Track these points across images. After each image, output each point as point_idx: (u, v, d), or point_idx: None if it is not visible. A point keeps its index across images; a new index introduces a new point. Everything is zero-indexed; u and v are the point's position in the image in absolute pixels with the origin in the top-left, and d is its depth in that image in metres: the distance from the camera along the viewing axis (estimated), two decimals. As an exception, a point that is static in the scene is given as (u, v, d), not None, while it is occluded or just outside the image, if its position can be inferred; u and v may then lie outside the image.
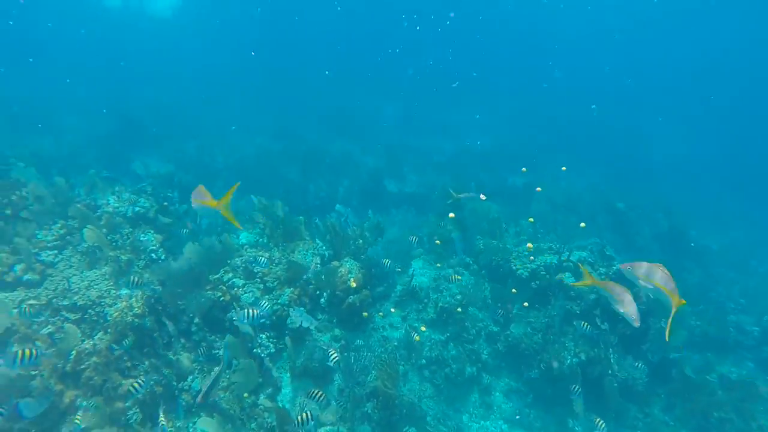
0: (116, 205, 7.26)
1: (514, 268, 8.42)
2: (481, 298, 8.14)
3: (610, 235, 11.07)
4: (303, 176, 13.69)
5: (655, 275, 4.09)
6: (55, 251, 6.54)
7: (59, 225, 6.80)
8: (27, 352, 4.40)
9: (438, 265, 8.71)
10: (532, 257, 8.05)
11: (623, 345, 7.36)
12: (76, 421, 4.62)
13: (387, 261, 7.08)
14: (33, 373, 4.88)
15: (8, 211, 6.65)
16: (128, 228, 6.94)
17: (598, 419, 5.81)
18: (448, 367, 7.30)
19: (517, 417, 7.11)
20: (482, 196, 7.44)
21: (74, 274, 6.02)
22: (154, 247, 6.88)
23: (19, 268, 6.07)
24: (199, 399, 5.64)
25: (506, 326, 7.81)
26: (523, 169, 9.24)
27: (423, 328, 6.88)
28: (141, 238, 6.86)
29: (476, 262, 8.97)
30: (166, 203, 7.80)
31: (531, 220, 8.11)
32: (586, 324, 6.80)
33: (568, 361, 7.09)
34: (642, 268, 4.24)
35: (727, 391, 7.87)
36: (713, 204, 16.91)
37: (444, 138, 20.25)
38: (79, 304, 5.70)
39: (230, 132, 17.27)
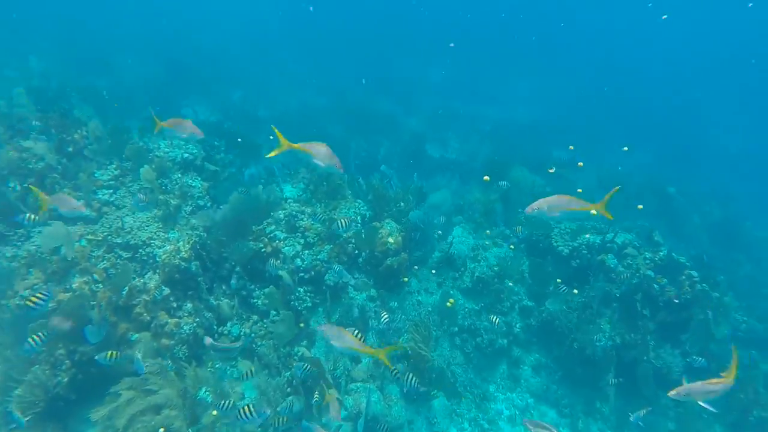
0: (167, 150, 7.43)
1: (554, 244, 8.25)
2: (518, 271, 8.06)
3: (657, 219, 10.63)
4: (345, 134, 13.61)
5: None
6: (111, 191, 6.79)
7: (114, 165, 7.03)
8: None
9: (488, 232, 8.56)
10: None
11: (662, 333, 7.19)
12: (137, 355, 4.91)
13: (442, 218, 7.05)
14: (92, 303, 5.17)
15: (71, 149, 6.91)
16: (177, 173, 7.11)
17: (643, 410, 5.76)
18: (479, 337, 7.35)
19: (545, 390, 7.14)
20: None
21: (127, 215, 6.25)
22: (200, 194, 7.05)
23: (79, 203, 6.35)
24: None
25: (541, 302, 7.73)
26: (570, 147, 8.89)
27: (450, 301, 6.86)
28: (189, 184, 7.02)
29: (516, 235, 8.84)
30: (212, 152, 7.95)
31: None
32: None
33: (602, 343, 7.00)
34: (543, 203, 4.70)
35: (768, 388, 7.64)
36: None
37: (491, 106, 19.63)
38: (131, 243, 5.94)
39: (275, 84, 17.23)
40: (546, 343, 7.72)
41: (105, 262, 5.74)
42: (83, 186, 6.50)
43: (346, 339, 4.15)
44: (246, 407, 4.17)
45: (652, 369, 6.76)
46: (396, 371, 5.42)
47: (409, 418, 6.34)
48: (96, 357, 4.64)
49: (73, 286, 5.48)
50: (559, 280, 7.50)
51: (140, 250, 5.92)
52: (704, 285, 7.01)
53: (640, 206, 6.81)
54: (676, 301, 6.99)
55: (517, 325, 7.65)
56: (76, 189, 6.54)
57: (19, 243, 5.91)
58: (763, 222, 13.32)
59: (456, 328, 7.42)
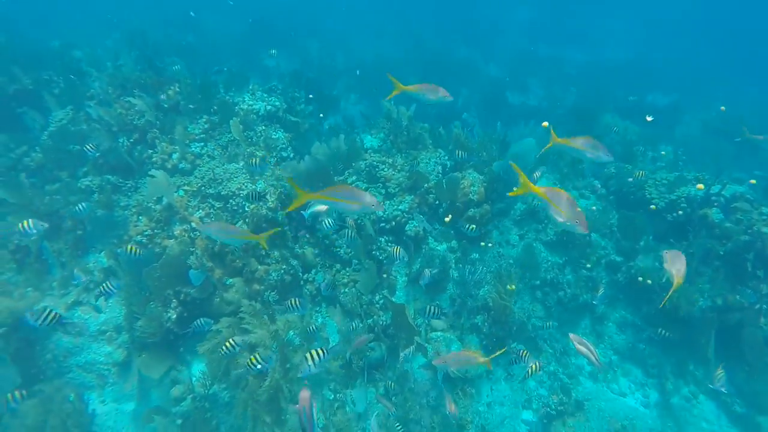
0: (251, 102, 7.63)
1: (648, 197, 7.65)
2: (607, 225, 7.61)
3: (774, 169, 9.47)
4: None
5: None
6: (202, 144, 7.15)
7: (204, 119, 7.36)
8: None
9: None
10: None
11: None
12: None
13: (538, 173, 6.78)
14: (191, 249, 5.61)
15: (166, 105, 7.31)
16: (261, 126, 7.32)
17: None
18: (562, 291, 7.13)
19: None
20: (648, 118, 6.73)
21: (218, 166, 6.58)
22: (283, 145, 7.24)
23: (176, 156, 6.77)
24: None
25: (631, 257, 7.30)
26: (648, 117, 8.04)
27: (512, 287, 6.50)
28: (272, 136, 7.22)
29: (605, 186, 8.30)
30: (293, 103, 8.06)
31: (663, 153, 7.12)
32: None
33: (701, 303, 6.53)
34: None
35: None
36: None
37: (578, 47, 18.08)
38: (222, 193, 6.28)
39: (352, 35, 16.97)
40: (634, 300, 7.35)
41: (200, 211, 6.14)
42: (179, 140, 6.90)
43: None
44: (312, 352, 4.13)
45: (762, 335, 6.22)
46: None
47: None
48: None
49: (175, 233, 5.95)
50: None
51: (230, 201, 6.25)
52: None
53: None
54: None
55: (603, 281, 7.32)
56: (173, 143, 6.97)
57: (130, 193, 6.48)
58: None
59: (538, 282, 7.24)
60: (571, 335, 4.90)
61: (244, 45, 14.61)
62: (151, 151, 6.99)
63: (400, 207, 6.70)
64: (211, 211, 6.21)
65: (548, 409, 6.03)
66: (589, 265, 7.26)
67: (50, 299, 6.06)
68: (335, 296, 6.35)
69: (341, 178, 6.87)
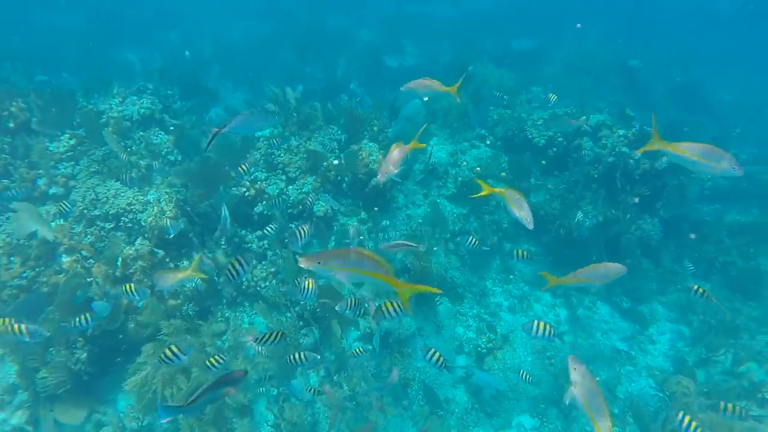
0: (120, 108, 6.95)
1: (530, 137, 8.31)
2: (500, 169, 8.18)
3: (625, 95, 10.73)
4: (299, 58, 12.90)
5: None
6: (72, 162, 6.42)
7: (68, 135, 6.59)
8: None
9: None
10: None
11: (640, 204, 7.56)
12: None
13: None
14: (88, 280, 5.11)
15: (11, 124, 6.39)
16: (139, 132, 6.72)
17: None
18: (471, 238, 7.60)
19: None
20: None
21: (98, 184, 5.98)
22: (168, 149, 6.74)
23: (42, 182, 6.02)
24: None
25: (526, 195, 7.95)
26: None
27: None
28: (154, 141, 6.68)
29: (492, 133, 8.86)
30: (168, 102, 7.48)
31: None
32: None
33: (587, 224, 7.35)
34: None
35: (734, 237, 8.29)
36: (729, 54, 16.10)
37: (443, 4, 18.65)
38: (111, 212, 5.75)
39: (213, 17, 15.86)
40: (534, 232, 8.06)
41: (90, 236, 5.58)
42: (40, 163, 6.12)
43: None
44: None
45: (635, 239, 7.20)
46: None
47: (419, 325, 6.73)
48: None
49: (64, 266, 5.37)
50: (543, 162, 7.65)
51: (122, 218, 5.75)
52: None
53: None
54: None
55: (505, 221, 7.90)
56: (33, 167, 6.17)
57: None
58: (722, 83, 13.63)
59: (448, 235, 7.65)
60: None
61: (93, 43, 13.06)
62: (6, 181, 6.13)
63: (303, 189, 6.63)
64: (102, 233, 5.68)
65: (479, 349, 6.52)
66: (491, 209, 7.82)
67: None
68: (257, 292, 6.21)
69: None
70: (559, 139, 7.97)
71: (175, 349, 3.66)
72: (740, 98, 13.10)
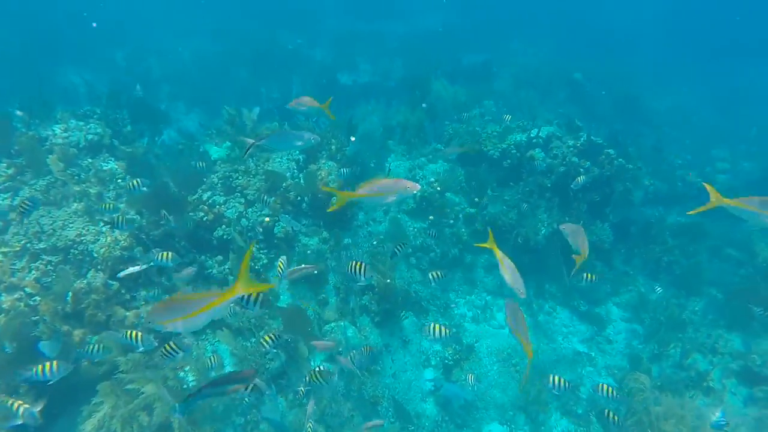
0: (65, 135, 6.65)
1: (485, 149, 8.56)
2: (457, 182, 8.37)
3: (571, 106, 11.28)
4: (253, 78, 12.78)
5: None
6: (10, 193, 6.07)
7: (5, 165, 6.23)
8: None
9: None
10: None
11: (590, 210, 7.93)
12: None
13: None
14: (34, 318, 4.81)
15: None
16: (87, 159, 6.45)
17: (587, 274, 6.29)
18: (432, 252, 7.72)
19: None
20: None
21: (42, 216, 5.67)
22: (120, 175, 6.50)
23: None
24: None
25: (483, 207, 8.17)
26: None
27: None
28: (104, 168, 6.42)
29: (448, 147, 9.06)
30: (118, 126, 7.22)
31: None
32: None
33: (543, 232, 7.62)
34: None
35: (676, 237, 8.82)
36: (662, 66, 17.26)
37: (394, 21, 19.00)
38: (59, 245, 5.46)
39: (160, 36, 15.44)
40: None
41: (34, 272, 5.28)
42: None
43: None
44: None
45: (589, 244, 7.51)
46: None
47: (385, 342, 6.73)
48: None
49: (4, 306, 5.04)
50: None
51: (72, 250, 5.47)
52: (621, 160, 7.71)
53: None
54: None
55: (464, 233, 8.07)
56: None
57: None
58: (659, 93, 14.58)
59: (409, 249, 7.73)
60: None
61: (30, 67, 12.36)
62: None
63: (263, 212, 6.55)
64: (48, 268, 5.38)
65: (446, 361, 6.59)
66: (452, 221, 7.96)
67: None
68: (220, 319, 6.04)
69: (195, 196, 6.43)
70: (513, 151, 8.26)
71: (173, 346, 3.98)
72: (672, 108, 14.06)
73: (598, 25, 20.15)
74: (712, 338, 7.14)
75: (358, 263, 4.68)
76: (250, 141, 4.48)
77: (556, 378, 4.96)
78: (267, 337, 4.53)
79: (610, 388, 4.63)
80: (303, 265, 5.48)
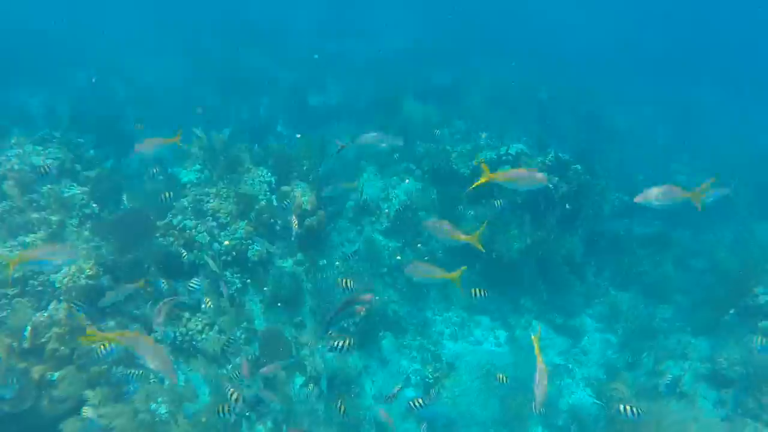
0: (21, 160, 6.37)
1: (455, 168, 8.64)
2: (430, 201, 8.41)
3: (537, 125, 11.60)
4: (221, 100, 12.64)
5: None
6: (-38, 223, 5.74)
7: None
8: None
9: None
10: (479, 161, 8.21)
11: (560, 225, 8.09)
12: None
13: None
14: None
15: None
16: (47, 185, 6.16)
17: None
18: (407, 271, 7.69)
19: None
20: None
21: (-4, 245, 5.37)
22: (83, 201, 6.24)
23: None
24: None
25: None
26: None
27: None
28: (65, 194, 6.16)
29: (420, 167, 9.12)
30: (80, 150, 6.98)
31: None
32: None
33: (516, 247, 7.71)
34: None
35: (643, 248, 9.09)
36: (623, 85, 18.02)
37: (363, 41, 19.21)
38: (15, 276, 5.16)
39: (124, 56, 15.06)
40: (467, 260, 8.32)
41: (-12, 305, 4.97)
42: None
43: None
44: None
45: (560, 257, 7.67)
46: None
47: (365, 363, 6.63)
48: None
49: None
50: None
51: (30, 281, 5.19)
52: (587, 176, 7.94)
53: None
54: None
55: (439, 251, 8.09)
56: None
57: None
58: (620, 112, 15.28)
59: (385, 269, 7.69)
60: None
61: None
62: None
63: (236, 235, 6.40)
64: (4, 301, 5.07)
65: (427, 380, 6.53)
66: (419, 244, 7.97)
67: None
68: (193, 347, 5.82)
69: (165, 221, 6.24)
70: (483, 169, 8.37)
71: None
72: (632, 125, 14.68)
73: (564, 44, 20.92)
74: (682, 344, 7.33)
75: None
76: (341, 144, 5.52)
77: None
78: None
79: (635, 408, 4.66)
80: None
